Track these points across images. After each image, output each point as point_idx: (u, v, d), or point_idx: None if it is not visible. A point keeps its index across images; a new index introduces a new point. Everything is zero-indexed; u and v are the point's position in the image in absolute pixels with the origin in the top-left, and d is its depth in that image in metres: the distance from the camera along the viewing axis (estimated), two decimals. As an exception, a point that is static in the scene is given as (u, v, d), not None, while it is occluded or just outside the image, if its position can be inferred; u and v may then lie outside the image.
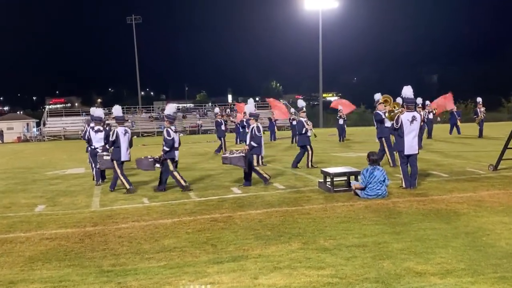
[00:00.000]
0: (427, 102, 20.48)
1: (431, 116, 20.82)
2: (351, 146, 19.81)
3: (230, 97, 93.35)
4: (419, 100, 16.43)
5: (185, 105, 75.03)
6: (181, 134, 45.59)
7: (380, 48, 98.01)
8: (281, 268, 4.30)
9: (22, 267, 4.71)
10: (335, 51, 76.89)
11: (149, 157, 9.36)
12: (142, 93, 77.31)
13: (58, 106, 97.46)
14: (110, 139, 9.16)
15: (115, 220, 6.67)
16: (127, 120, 47.80)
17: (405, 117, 8.11)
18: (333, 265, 4.33)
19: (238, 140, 23.58)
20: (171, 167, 8.90)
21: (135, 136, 43.10)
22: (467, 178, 9.15)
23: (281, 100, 63.30)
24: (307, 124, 12.08)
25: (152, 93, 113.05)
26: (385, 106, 10.77)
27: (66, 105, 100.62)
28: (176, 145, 9.01)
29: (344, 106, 23.21)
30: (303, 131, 12.00)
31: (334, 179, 8.18)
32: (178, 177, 8.93)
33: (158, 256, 4.87)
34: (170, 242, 5.40)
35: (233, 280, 4.04)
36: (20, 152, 26.75)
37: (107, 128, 10.91)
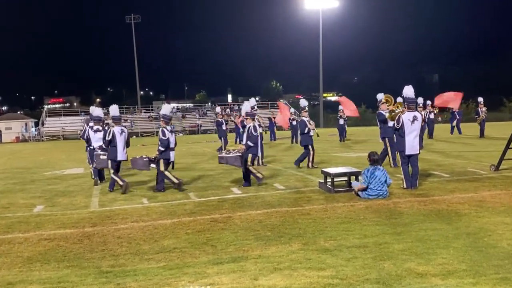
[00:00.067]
0: (428, 102, 20.44)
1: (432, 116, 20.79)
2: (352, 146, 19.79)
3: (230, 97, 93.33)
4: (420, 100, 16.39)
5: (184, 105, 75.05)
6: (180, 134, 45.85)
7: (381, 48, 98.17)
8: (281, 269, 4.27)
9: (20, 268, 4.68)
10: (336, 51, 77.01)
11: (144, 156, 9.35)
12: (142, 92, 77.38)
13: (57, 106, 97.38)
14: (106, 138, 9.17)
15: (114, 221, 6.64)
16: (127, 120, 47.85)
17: (406, 117, 8.08)
18: (333, 266, 4.29)
19: (238, 140, 23.56)
20: (161, 167, 8.88)
21: (134, 136, 43.16)
22: (469, 178, 9.11)
23: (281, 100, 63.28)
24: (310, 124, 12.05)
25: (151, 92, 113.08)
26: (387, 106, 10.74)
27: (65, 105, 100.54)
28: (172, 145, 8.99)
29: (348, 109, 22.74)
30: (306, 131, 11.97)
31: (335, 180, 8.15)
32: (169, 175, 8.90)
33: (158, 257, 4.84)
34: (169, 242, 5.37)
35: (233, 281, 4.01)
36: (19, 152, 26.73)
37: (106, 128, 10.88)
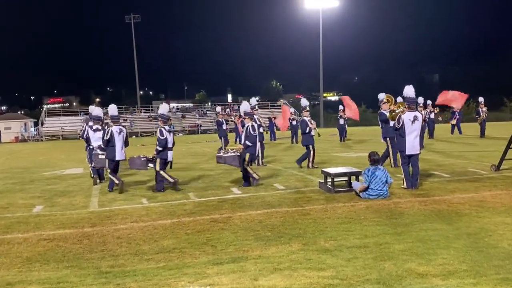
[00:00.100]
0: (429, 102, 20.43)
1: (432, 116, 20.78)
2: (352, 146, 19.79)
3: (229, 97, 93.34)
4: (420, 100, 16.37)
5: (184, 104, 75.01)
6: (180, 134, 45.81)
7: (381, 48, 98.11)
8: (281, 269, 4.25)
9: (19, 268, 4.66)
10: (336, 51, 76.95)
11: (141, 156, 9.35)
12: (141, 92, 77.29)
13: (56, 105, 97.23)
14: (105, 138, 9.21)
15: (114, 221, 6.62)
16: (126, 120, 47.84)
17: (407, 117, 8.06)
18: (333, 266, 4.28)
19: (237, 140, 23.52)
20: (157, 167, 8.88)
21: (134, 136, 43.14)
22: (469, 178, 9.10)
23: (281, 100, 63.26)
24: (311, 124, 12.03)
25: (151, 92, 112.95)
26: (389, 105, 10.72)
27: (64, 104, 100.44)
28: (170, 145, 8.99)
29: (349, 109, 22.58)
30: (307, 130, 11.95)
31: (335, 180, 8.13)
32: (165, 175, 8.90)
33: (157, 257, 4.82)
34: (169, 243, 5.36)
35: (232, 281, 3.99)
36: (18, 152, 26.72)
37: (106, 127, 10.89)
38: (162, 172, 8.89)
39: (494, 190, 7.75)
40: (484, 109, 21.33)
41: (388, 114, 10.48)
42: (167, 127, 9.03)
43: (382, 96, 11.37)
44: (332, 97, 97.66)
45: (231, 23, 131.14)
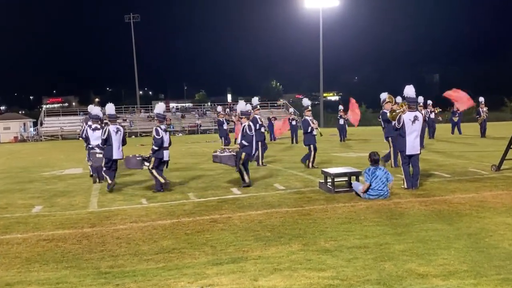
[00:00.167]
0: (429, 102, 20.43)
1: (432, 115, 20.77)
2: (352, 146, 19.77)
3: (229, 97, 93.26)
4: (420, 99, 16.36)
5: (184, 104, 74.98)
6: (180, 134, 45.75)
7: (381, 47, 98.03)
8: (281, 270, 4.24)
9: (19, 269, 4.65)
10: (336, 50, 76.91)
11: (137, 155, 9.35)
12: (141, 92, 77.21)
13: (55, 105, 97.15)
14: (102, 137, 9.27)
15: (113, 221, 6.60)
16: (126, 120, 47.82)
17: (407, 116, 8.05)
18: (334, 266, 4.27)
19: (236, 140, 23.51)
20: (151, 165, 8.88)
21: (134, 136, 43.11)
22: (470, 178, 9.09)
23: (281, 100, 63.17)
24: (313, 123, 12.02)
25: (150, 92, 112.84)
26: (392, 105, 10.72)
27: (64, 104, 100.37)
28: (166, 144, 8.98)
29: (352, 111, 22.44)
30: (309, 130, 11.94)
31: (335, 180, 8.11)
32: (156, 174, 8.88)
33: (157, 258, 4.81)
34: (168, 243, 5.34)
35: (232, 282, 3.98)
36: (17, 152, 26.69)
37: (105, 127, 10.92)
38: (154, 171, 8.89)
39: (495, 190, 7.73)
40: (485, 109, 21.31)
41: (388, 114, 10.47)
42: (163, 126, 9.03)
43: (384, 95, 11.36)
44: (332, 97, 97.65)
45: (231, 23, 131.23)
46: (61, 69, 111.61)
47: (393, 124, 8.81)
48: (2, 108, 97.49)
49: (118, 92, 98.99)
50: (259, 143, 12.83)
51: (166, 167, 9.31)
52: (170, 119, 50.43)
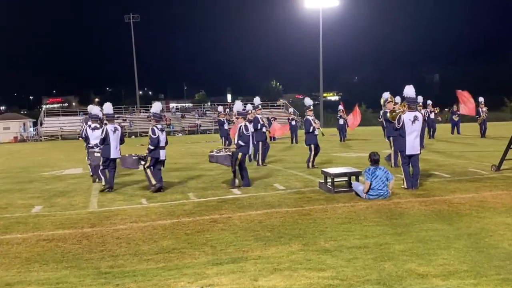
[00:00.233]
0: (429, 102, 20.43)
1: (432, 115, 20.78)
2: (352, 146, 19.77)
3: (229, 97, 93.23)
4: (420, 99, 16.35)
5: (184, 104, 74.97)
6: (180, 134, 45.74)
7: (381, 47, 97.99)
8: (281, 270, 4.24)
9: (18, 269, 4.65)
10: (336, 50, 76.84)
11: (133, 155, 9.37)
12: (140, 92, 77.11)
13: (55, 105, 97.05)
14: (100, 136, 9.30)
15: (113, 221, 6.60)
16: (125, 120, 47.80)
17: (407, 116, 8.05)
18: (334, 266, 4.27)
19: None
20: (146, 164, 8.89)
21: (133, 136, 43.09)
22: (470, 178, 9.09)
23: (281, 100, 63.13)
24: (315, 123, 12.02)
25: (150, 92, 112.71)
26: (394, 105, 10.72)
27: (63, 104, 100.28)
28: (162, 144, 8.99)
29: (354, 116, 22.37)
30: (311, 130, 11.93)
31: (335, 180, 8.11)
32: (150, 175, 8.87)
33: (157, 258, 4.81)
34: (168, 243, 5.34)
35: (232, 282, 3.98)
36: (17, 152, 26.67)
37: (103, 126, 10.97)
38: (148, 171, 8.89)
39: (495, 190, 7.73)
40: (484, 109, 21.30)
41: (388, 114, 10.48)
42: (159, 126, 9.05)
43: (386, 95, 11.36)
44: (332, 97, 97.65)
45: (231, 23, 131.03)
46: (61, 69, 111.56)
47: (393, 123, 8.82)
48: (2, 108, 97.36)
49: (118, 92, 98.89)
50: (260, 143, 12.85)
51: (163, 166, 9.31)
52: (170, 119, 50.44)
